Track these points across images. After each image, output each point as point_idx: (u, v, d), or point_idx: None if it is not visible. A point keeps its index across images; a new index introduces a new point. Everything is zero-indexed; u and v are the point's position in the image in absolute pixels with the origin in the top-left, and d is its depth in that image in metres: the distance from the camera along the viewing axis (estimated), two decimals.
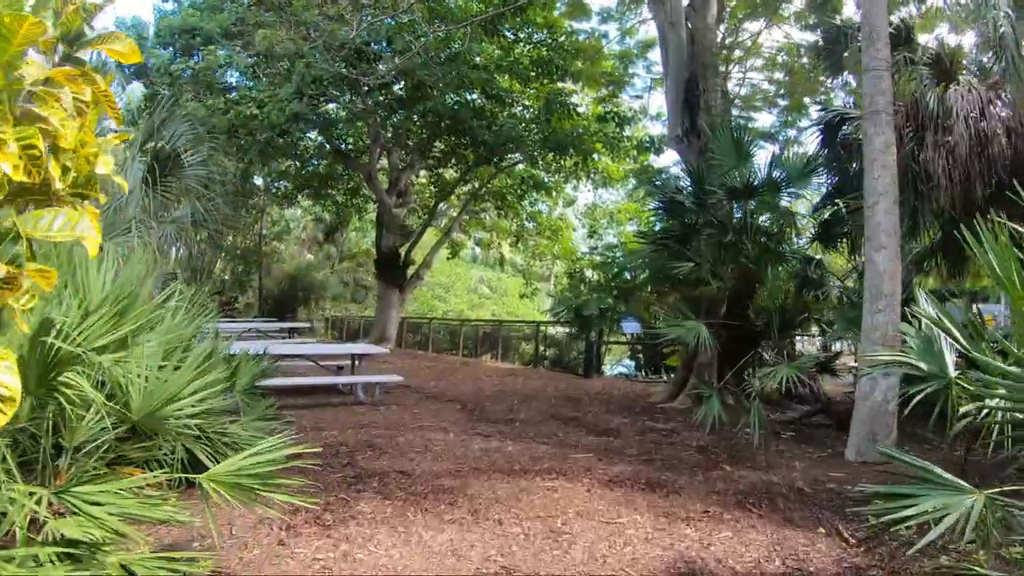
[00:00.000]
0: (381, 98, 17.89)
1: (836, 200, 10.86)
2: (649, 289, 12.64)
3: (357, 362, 10.87)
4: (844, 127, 11.12)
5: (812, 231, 11.59)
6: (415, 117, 17.73)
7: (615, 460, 7.42)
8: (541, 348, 20.31)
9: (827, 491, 6.51)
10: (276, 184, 27.38)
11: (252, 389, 7.38)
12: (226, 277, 37.55)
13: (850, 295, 10.12)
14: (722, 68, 14.63)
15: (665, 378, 18.42)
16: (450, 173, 24.33)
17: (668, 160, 21.23)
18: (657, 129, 21.32)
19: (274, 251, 38.07)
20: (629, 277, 14.12)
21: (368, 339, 22.08)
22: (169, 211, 10.53)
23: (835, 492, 6.42)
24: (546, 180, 23.18)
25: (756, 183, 9.78)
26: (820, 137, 11.35)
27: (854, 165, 10.95)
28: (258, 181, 29.25)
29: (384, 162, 23.45)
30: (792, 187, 9.81)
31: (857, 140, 11.04)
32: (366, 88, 16.50)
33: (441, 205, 24.85)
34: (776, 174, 10.04)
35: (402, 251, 22.44)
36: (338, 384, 11.36)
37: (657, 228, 12.10)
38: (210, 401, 6.01)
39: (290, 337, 17.63)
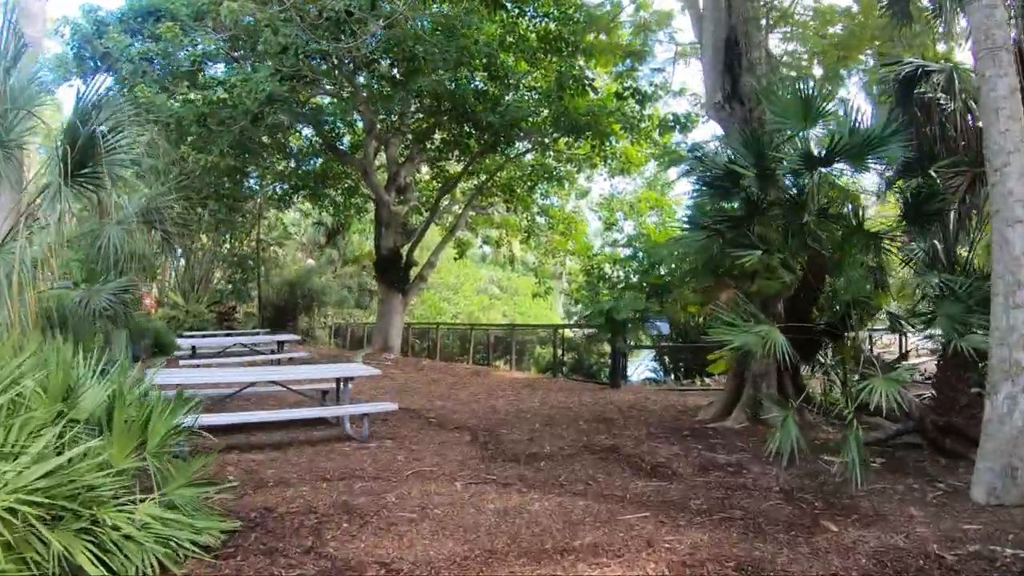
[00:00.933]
0: (371, 77, 15.92)
1: (917, 170, 8.80)
2: (692, 286, 10.58)
3: (344, 386, 8.81)
4: (920, 87, 9.18)
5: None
6: (410, 100, 15.69)
7: (680, 522, 5.44)
8: (559, 353, 18.31)
9: (974, 557, 4.66)
10: (272, 186, 25.52)
11: (182, 441, 5.46)
12: (224, 286, 35.73)
13: (949, 285, 8.05)
14: (765, 23, 12.51)
15: (700, 384, 16.44)
16: (453, 166, 22.35)
17: (696, 139, 19.13)
18: (681, 106, 19.21)
19: (273, 257, 36.15)
20: (660, 273, 12.17)
21: (370, 348, 20.10)
22: (111, 210, 8.51)
23: (986, 559, 4.63)
24: (558, 170, 21.12)
25: (837, 147, 7.69)
26: (896, 94, 9.37)
27: (933, 129, 9.03)
28: (255, 185, 27.50)
29: (383, 157, 21.45)
30: (878, 151, 7.71)
31: (936, 101, 9.06)
32: (350, 65, 14.52)
33: (444, 200, 22.83)
34: (853, 139, 7.95)
35: (404, 251, 20.47)
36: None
37: (684, 216, 10.13)
38: (90, 476, 4.11)
39: (280, 351, 15.68)
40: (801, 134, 8.30)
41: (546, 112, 16.05)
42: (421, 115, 18.31)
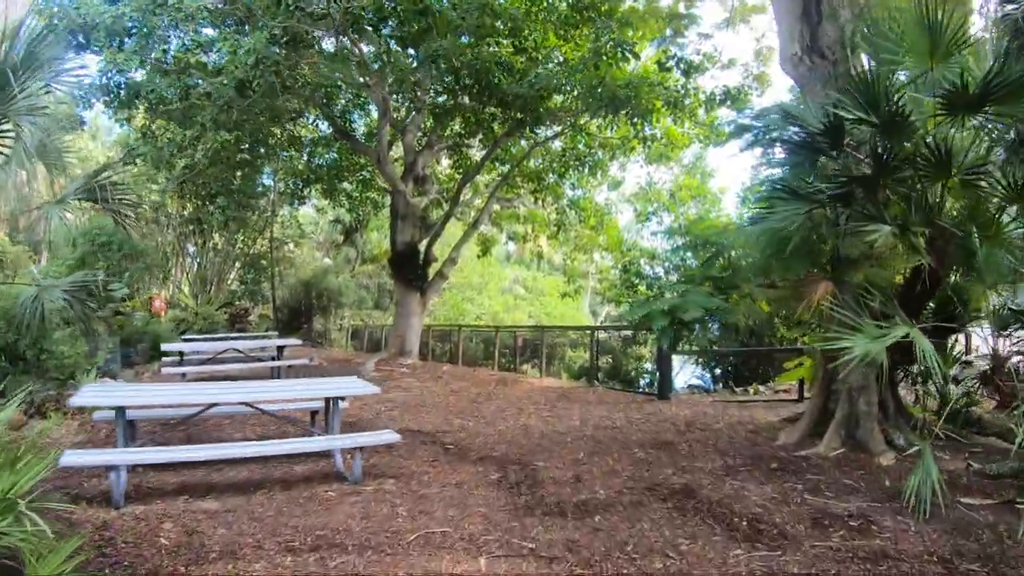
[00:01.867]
0: (378, 40, 13.94)
1: None
2: (773, 278, 8.47)
3: (333, 407, 6.78)
4: None
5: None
6: (426, 70, 13.63)
7: None
8: (595, 358, 16.25)
9: None
10: (284, 181, 23.79)
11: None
12: (238, 287, 34.03)
13: None
14: None
15: (755, 393, 14.33)
16: (475, 155, 20.38)
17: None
18: (732, 78, 16.75)
19: (288, 256, 34.35)
20: (722, 263, 10.11)
21: (385, 353, 18.13)
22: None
23: None
24: (589, 157, 19.03)
25: (994, 82, 5.56)
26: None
27: None
28: (269, 182, 25.80)
29: (399, 151, 19.50)
30: None
31: None
32: (351, 25, 12.53)
33: (466, 193, 20.84)
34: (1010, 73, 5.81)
35: (422, 247, 18.46)
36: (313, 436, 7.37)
37: (770, 188, 8.07)
38: None
39: (280, 356, 13.73)
40: (925, 75, 6.26)
41: (579, 84, 13.95)
42: (439, 90, 16.29)
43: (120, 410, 6.27)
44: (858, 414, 7.98)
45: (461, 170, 20.69)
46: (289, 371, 13.40)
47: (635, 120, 14.71)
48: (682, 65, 14.25)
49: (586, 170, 19.99)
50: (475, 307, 37.73)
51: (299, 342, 15.06)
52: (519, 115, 14.01)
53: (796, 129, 7.33)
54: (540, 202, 21.55)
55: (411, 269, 17.75)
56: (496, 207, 23.69)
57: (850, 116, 6.30)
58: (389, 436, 6.56)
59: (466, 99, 15.75)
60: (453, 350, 21.33)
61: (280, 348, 13.85)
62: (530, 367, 21.33)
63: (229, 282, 33.62)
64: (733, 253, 10.22)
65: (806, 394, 12.47)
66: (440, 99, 16.52)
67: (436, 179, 21.28)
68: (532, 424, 9.47)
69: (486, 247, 24.67)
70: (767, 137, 10.12)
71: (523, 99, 13.20)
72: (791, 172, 7.47)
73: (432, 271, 18.71)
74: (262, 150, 19.50)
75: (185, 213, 27.52)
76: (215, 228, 28.41)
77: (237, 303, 33.38)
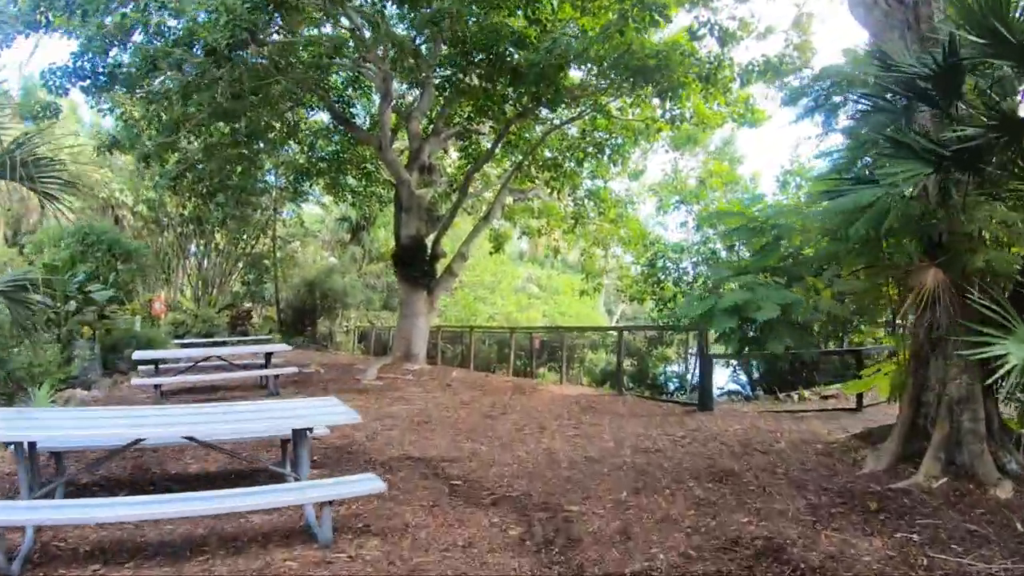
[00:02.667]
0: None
1: None
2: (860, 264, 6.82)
3: (299, 443, 5.17)
4: None
5: None
6: (426, 32, 12.04)
7: None
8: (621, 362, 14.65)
9: None
10: (285, 177, 22.40)
11: None
12: (239, 288, 32.61)
13: None
14: None
15: (800, 399, 12.70)
16: (485, 143, 18.81)
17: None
18: (769, 48, 14.86)
19: (291, 256, 32.89)
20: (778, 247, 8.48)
21: (388, 357, 16.53)
22: None
23: None
24: (611, 141, 17.37)
25: None
26: None
27: None
28: (271, 179, 24.38)
29: (405, 142, 17.95)
30: None
31: None
32: None
33: (476, 183, 19.24)
34: None
35: (428, 242, 16.84)
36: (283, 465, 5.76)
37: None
38: None
39: (268, 364, 12.17)
40: None
41: (602, 52, 12.33)
42: (444, 64, 14.71)
43: (20, 446, 4.72)
44: (961, 433, 6.40)
45: (471, 159, 19.08)
46: (275, 382, 11.81)
47: (664, 96, 13.07)
48: (716, 32, 12.57)
49: (605, 157, 18.34)
50: (488, 307, 36.11)
51: (288, 348, 13.44)
52: (534, 90, 12.30)
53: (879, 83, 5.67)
54: (556, 193, 19.93)
55: (417, 266, 16.14)
56: (509, 200, 22.10)
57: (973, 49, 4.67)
58: (370, 485, 4.91)
59: (475, 78, 14.16)
60: (465, 353, 19.77)
61: (268, 355, 12.27)
62: (547, 371, 19.74)
63: (231, 283, 32.28)
64: (783, 241, 8.57)
65: (866, 402, 10.95)
66: (446, 73, 14.89)
67: (444, 172, 19.72)
68: (557, 447, 7.84)
69: (499, 243, 23.10)
70: (829, 102, 8.51)
71: (539, 69, 11.51)
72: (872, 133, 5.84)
73: (440, 268, 17.13)
74: (260, 144, 18.06)
75: (185, 212, 26.16)
76: (214, 227, 27.11)
77: (239, 305, 32.06)
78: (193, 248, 30.92)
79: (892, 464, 6.73)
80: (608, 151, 17.87)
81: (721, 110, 15.27)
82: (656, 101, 14.95)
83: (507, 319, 35.39)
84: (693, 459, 7.17)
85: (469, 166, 18.05)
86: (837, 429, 9.03)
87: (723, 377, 15.89)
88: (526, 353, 19.58)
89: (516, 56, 12.09)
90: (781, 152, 66.99)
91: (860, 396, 10.83)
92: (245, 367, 12.73)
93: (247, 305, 32.53)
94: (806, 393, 13.42)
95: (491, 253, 23.99)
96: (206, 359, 12.33)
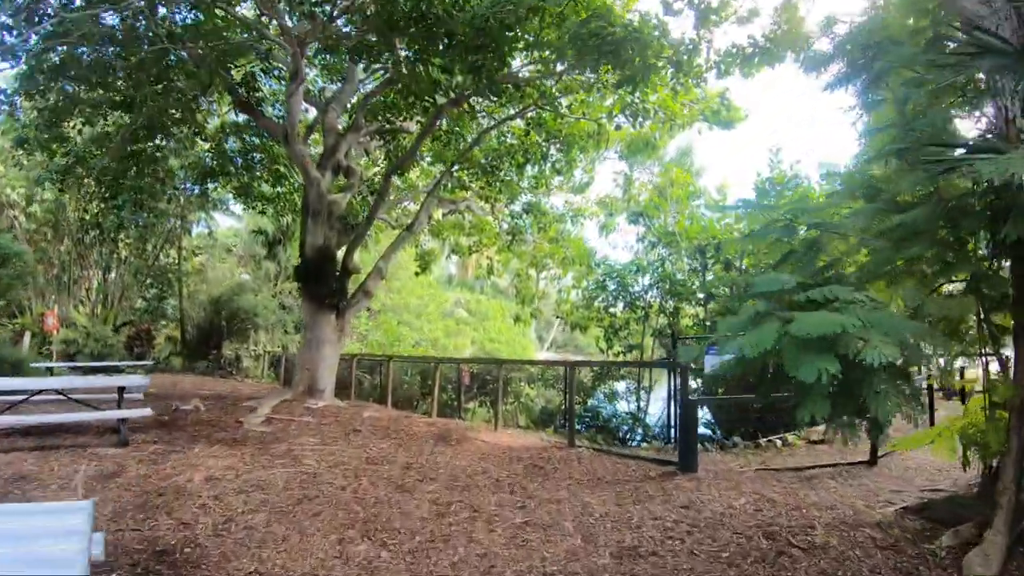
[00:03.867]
0: None
1: None
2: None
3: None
4: None
5: None
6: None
7: None
8: (563, 399, 12.11)
9: None
10: (189, 173, 19.49)
11: None
12: (142, 303, 29.01)
13: None
14: None
15: (784, 446, 10.32)
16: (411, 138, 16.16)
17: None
18: (754, 31, 12.35)
19: (199, 270, 29.37)
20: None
21: (289, 391, 13.51)
22: None
23: None
24: (556, 142, 14.81)
25: None
26: None
27: None
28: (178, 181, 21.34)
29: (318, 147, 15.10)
30: None
31: None
32: None
33: (399, 188, 16.49)
34: None
35: (340, 255, 13.97)
36: None
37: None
38: None
39: (120, 404, 9.10)
40: None
41: (558, 23, 9.81)
42: (359, 25, 11.98)
43: None
44: None
45: (392, 151, 16.29)
46: (123, 426, 8.74)
47: (628, 84, 10.57)
48: (697, 4, 10.18)
49: (548, 166, 15.86)
50: (414, 332, 33.08)
51: (145, 382, 10.33)
52: (474, 58, 9.58)
53: None
54: (491, 205, 17.35)
55: (324, 283, 13.23)
56: (438, 214, 19.46)
57: None
58: None
59: (402, 51, 11.44)
60: (382, 386, 16.92)
61: (120, 390, 9.22)
62: (477, 406, 17.00)
63: (132, 299, 28.73)
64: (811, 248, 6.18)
65: (880, 452, 8.67)
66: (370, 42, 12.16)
67: (364, 176, 16.92)
68: (500, 552, 5.07)
69: (425, 263, 20.35)
70: (873, 64, 6.15)
71: (481, 25, 8.82)
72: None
73: (353, 286, 14.26)
74: (161, 139, 15.19)
75: (87, 216, 22.85)
76: (111, 234, 23.82)
77: (138, 323, 28.55)
78: (96, 258, 27.34)
79: (1004, 562, 4.32)
80: (552, 158, 15.37)
81: (691, 106, 12.91)
82: (613, 96, 12.55)
83: (434, 345, 32.49)
84: (708, 568, 4.56)
85: (390, 162, 15.17)
86: (870, 496, 6.76)
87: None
88: (453, 387, 16.83)
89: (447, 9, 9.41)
90: (745, 163, 65.60)
91: (874, 446, 8.54)
92: (91, 403, 9.62)
93: (147, 324, 28.99)
94: (790, 437, 11.07)
95: (417, 274, 21.20)
96: (36, 392, 9.19)
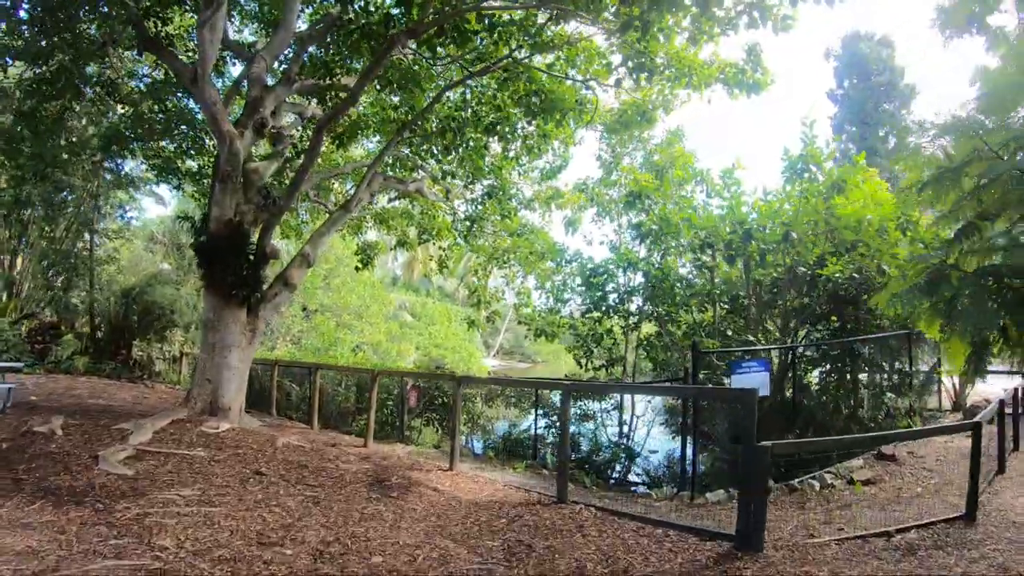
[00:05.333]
0: None
1: None
2: None
3: None
4: None
5: None
6: None
7: None
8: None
9: None
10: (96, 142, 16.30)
11: None
12: (44, 294, 25.07)
13: None
14: None
15: (840, 487, 7.66)
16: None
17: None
18: None
19: (113, 257, 25.49)
20: None
21: (183, 409, 10.19)
22: None
23: None
24: (535, 107, 11.74)
25: None
26: None
27: None
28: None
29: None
30: None
31: None
32: None
33: (335, 154, 13.36)
34: None
35: (254, 234, 10.73)
36: None
37: None
38: None
39: None
40: None
41: None
42: None
43: None
44: None
45: (327, 103, 13.11)
46: None
47: (639, 24, 7.70)
48: None
49: (518, 143, 12.89)
50: (354, 335, 29.68)
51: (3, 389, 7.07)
52: None
53: None
54: (444, 187, 14.35)
55: (232, 269, 9.96)
56: (383, 200, 16.46)
57: None
58: None
59: None
60: (305, 400, 13.81)
61: None
62: (423, 424, 13.98)
63: (36, 288, 24.87)
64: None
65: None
66: None
67: (295, 139, 13.69)
68: None
69: (368, 257, 17.18)
70: None
71: None
72: None
73: (271, 274, 11.08)
74: (69, 99, 12.14)
75: None
76: (12, 210, 20.43)
77: (42, 317, 24.80)
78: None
79: None
80: (522, 132, 12.40)
81: (709, 65, 10.08)
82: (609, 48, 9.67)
83: (376, 350, 29.17)
84: None
85: (323, 115, 11.88)
86: None
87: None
88: (395, 401, 13.76)
89: None
90: (745, 147, 62.78)
91: (973, 493, 5.98)
92: None
93: (55, 318, 25.14)
94: (829, 476, 8.40)
95: (358, 269, 18.00)
96: None
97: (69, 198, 22.70)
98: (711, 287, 11.05)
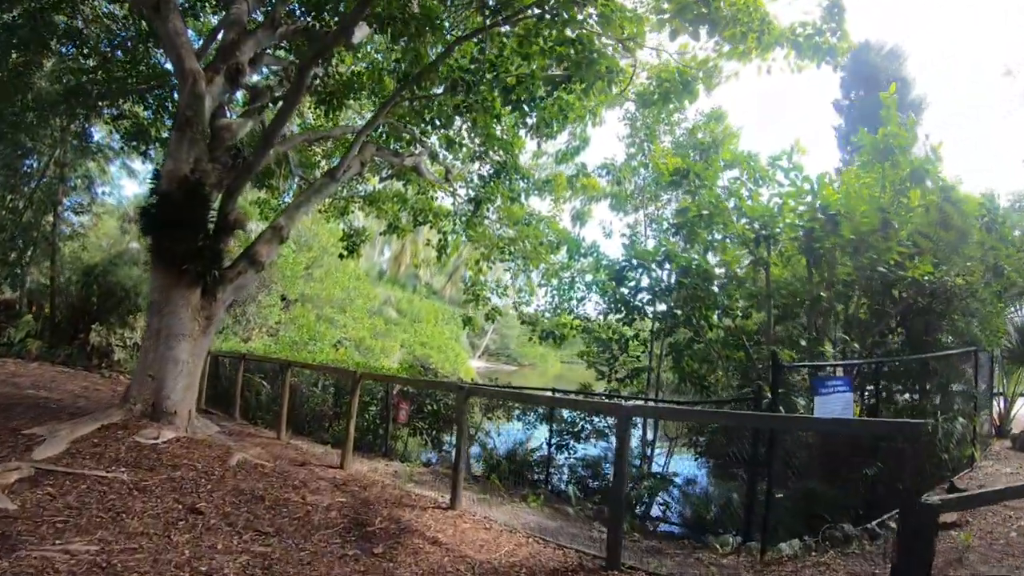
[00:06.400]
0: None
1: None
2: None
3: None
4: None
5: None
6: None
7: None
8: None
9: None
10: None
11: None
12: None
13: None
14: None
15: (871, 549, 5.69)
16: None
17: None
18: None
19: (78, 233, 23.24)
20: None
21: (120, 410, 8.08)
22: None
23: None
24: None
25: None
26: None
27: None
28: None
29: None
30: None
31: None
32: None
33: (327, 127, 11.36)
34: None
35: (215, 198, 8.60)
36: None
37: None
38: None
39: None
40: None
41: None
42: None
43: None
44: None
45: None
46: None
47: None
48: None
49: (551, 100, 10.72)
50: (336, 329, 27.52)
51: None
52: None
53: None
54: (448, 160, 12.38)
55: (185, 237, 7.86)
56: (374, 181, 14.56)
57: None
58: None
59: None
60: (273, 402, 11.80)
61: None
62: (409, 433, 11.91)
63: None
64: None
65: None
66: None
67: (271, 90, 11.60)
68: None
69: (353, 244, 15.14)
70: None
71: None
72: None
73: (235, 248, 9.04)
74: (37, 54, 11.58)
75: None
76: None
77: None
78: None
79: None
80: (543, 103, 10.35)
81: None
82: None
83: (359, 346, 27.05)
84: None
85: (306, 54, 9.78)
86: None
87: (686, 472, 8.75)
88: (379, 407, 11.70)
89: None
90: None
91: None
92: None
93: (10, 297, 22.94)
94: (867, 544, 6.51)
95: (342, 256, 15.89)
96: None
97: (35, 166, 20.56)
98: (764, 288, 9.13)
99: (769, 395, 6.84)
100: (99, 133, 20.82)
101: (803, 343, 7.97)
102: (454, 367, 33.36)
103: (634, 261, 10.05)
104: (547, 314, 14.12)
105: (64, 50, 13.03)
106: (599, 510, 7.80)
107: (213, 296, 8.18)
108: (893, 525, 6.51)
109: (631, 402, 7.76)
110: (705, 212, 9.22)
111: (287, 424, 10.39)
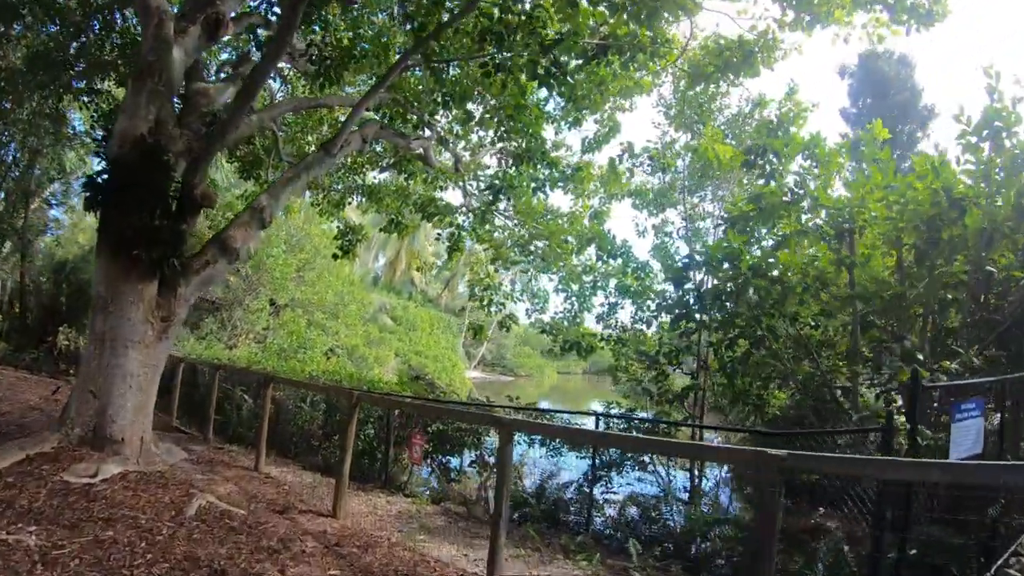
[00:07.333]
0: None
1: None
2: None
3: None
4: None
5: None
6: None
7: None
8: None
9: None
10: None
11: None
12: None
13: None
14: None
15: None
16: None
17: None
18: None
19: (50, 227, 21.41)
20: None
21: (57, 433, 6.30)
22: None
23: None
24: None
25: None
26: None
27: None
28: None
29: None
30: None
31: None
32: None
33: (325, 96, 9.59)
34: None
35: (178, 168, 6.76)
36: None
37: None
38: None
39: None
40: None
41: None
42: None
43: None
44: None
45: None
46: None
47: None
48: None
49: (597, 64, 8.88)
50: (328, 336, 25.61)
51: None
52: None
53: None
54: (460, 145, 10.68)
55: (137, 212, 6.05)
56: (375, 173, 12.93)
57: None
58: None
59: None
60: (250, 420, 9.98)
61: None
62: (408, 458, 10.05)
63: None
64: None
65: None
66: None
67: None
68: None
69: (348, 244, 13.36)
70: None
71: None
72: None
73: (201, 231, 7.26)
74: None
75: None
76: None
77: None
78: None
79: None
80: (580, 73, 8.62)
81: None
82: None
83: (352, 354, 25.17)
84: None
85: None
86: None
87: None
88: (381, 430, 9.84)
89: None
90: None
91: None
92: None
93: None
94: None
95: (336, 257, 14.06)
96: None
97: (8, 155, 18.85)
98: (845, 291, 7.44)
99: (907, 424, 5.14)
100: (80, 122, 18.99)
101: (920, 357, 6.27)
102: (450, 376, 31.63)
103: (698, 258, 8.30)
104: (566, 322, 12.44)
105: (32, 17, 11.34)
106: (665, 567, 6.02)
107: (173, 291, 6.33)
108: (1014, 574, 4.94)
109: (785, 452, 5.92)
110: (785, 199, 7.50)
111: (269, 446, 8.58)
